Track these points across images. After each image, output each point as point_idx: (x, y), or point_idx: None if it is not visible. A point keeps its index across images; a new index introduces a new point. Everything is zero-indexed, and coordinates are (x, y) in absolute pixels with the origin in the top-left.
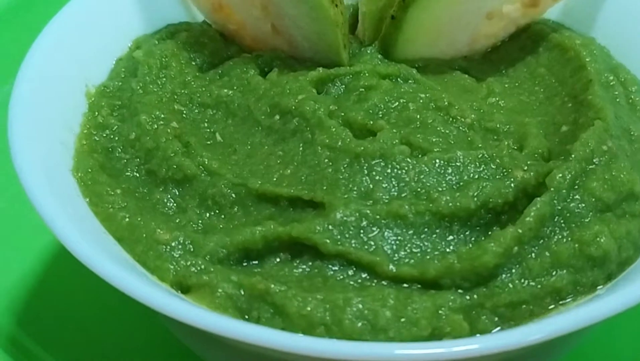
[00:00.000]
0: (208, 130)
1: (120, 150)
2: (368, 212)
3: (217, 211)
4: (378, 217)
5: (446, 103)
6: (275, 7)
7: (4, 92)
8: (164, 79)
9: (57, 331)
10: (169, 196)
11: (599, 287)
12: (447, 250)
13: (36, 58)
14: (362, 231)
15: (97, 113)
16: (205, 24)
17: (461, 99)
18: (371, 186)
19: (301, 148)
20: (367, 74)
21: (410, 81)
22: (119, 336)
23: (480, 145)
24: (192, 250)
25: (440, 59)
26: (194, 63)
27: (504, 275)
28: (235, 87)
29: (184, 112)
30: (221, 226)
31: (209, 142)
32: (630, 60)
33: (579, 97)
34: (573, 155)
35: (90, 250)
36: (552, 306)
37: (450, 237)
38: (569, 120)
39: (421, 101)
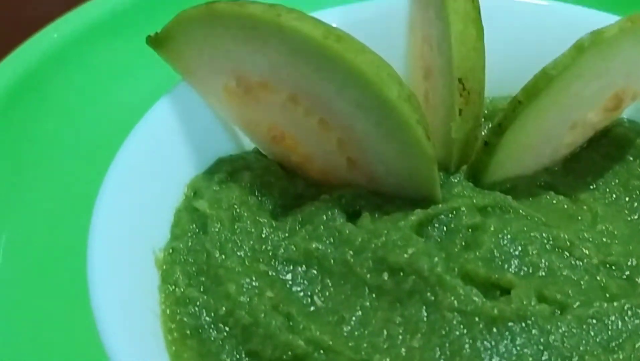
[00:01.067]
0: (304, 293)
1: (212, 329)
2: None
3: None
4: None
5: (568, 243)
6: (357, 142)
7: None
8: (241, 235)
9: None
10: None
11: None
12: None
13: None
14: None
15: (174, 286)
16: (263, 156)
17: (571, 230)
18: (514, 352)
19: (425, 313)
20: (465, 210)
21: (509, 211)
22: None
23: (615, 291)
24: None
25: (525, 175)
26: (265, 209)
27: None
28: (324, 238)
29: (271, 273)
30: None
31: (310, 309)
32: None
33: None
34: None
35: None
36: None
37: None
38: None
39: (538, 241)
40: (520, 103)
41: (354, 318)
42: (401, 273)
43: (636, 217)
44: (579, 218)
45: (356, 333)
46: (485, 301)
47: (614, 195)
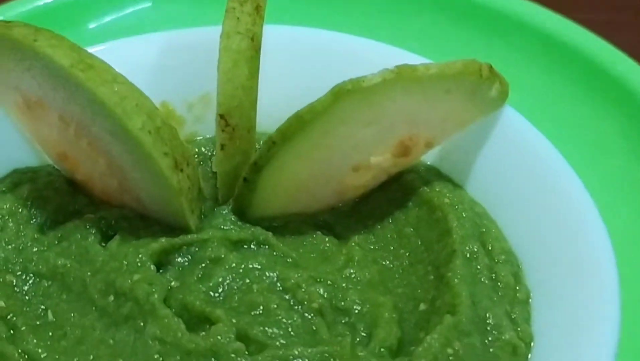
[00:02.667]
0: (41, 306)
1: None
2: None
3: None
4: None
5: (293, 283)
6: (119, 167)
7: None
8: None
9: None
10: None
11: None
12: None
13: None
14: None
15: None
16: (55, 170)
17: (317, 271)
18: None
19: (133, 338)
20: (215, 243)
21: (265, 246)
22: None
23: (324, 337)
24: None
25: (304, 213)
26: (33, 221)
27: None
28: (73, 256)
29: (15, 283)
30: None
31: (38, 322)
32: (503, 212)
33: (441, 268)
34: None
35: None
36: None
37: None
38: (428, 297)
39: (267, 281)
40: (274, 143)
41: (73, 336)
42: (123, 298)
43: (397, 264)
44: (334, 260)
45: (69, 350)
46: (186, 334)
47: (385, 242)
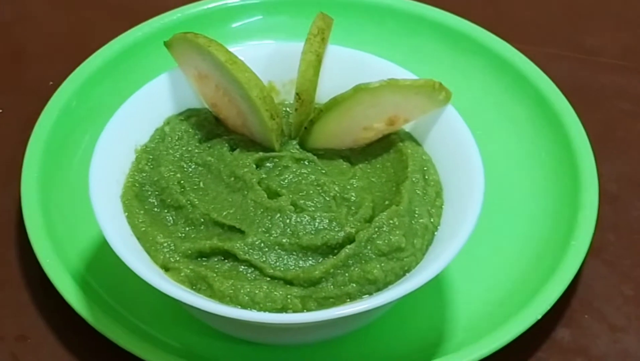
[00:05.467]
0: (196, 180)
1: (147, 186)
2: (264, 239)
3: (192, 227)
4: (270, 243)
5: (322, 182)
6: (243, 114)
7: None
8: (177, 146)
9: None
10: (169, 216)
11: (368, 295)
12: (299, 265)
13: (110, 129)
14: (260, 250)
15: (139, 163)
16: (209, 111)
17: (334, 178)
18: (269, 226)
19: (240, 200)
20: (287, 158)
21: (311, 164)
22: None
23: (333, 210)
24: (173, 248)
25: (335, 149)
26: (197, 137)
27: (324, 283)
28: (214, 156)
29: (184, 167)
30: (192, 236)
31: (195, 187)
32: (442, 165)
33: (398, 185)
34: (373, 223)
35: (121, 246)
36: (347, 301)
37: (304, 258)
38: (389, 198)
39: (310, 180)
40: (322, 111)
41: (211, 195)
42: (238, 179)
43: (378, 181)
44: (346, 175)
45: (209, 202)
46: (266, 199)
47: (374, 169)
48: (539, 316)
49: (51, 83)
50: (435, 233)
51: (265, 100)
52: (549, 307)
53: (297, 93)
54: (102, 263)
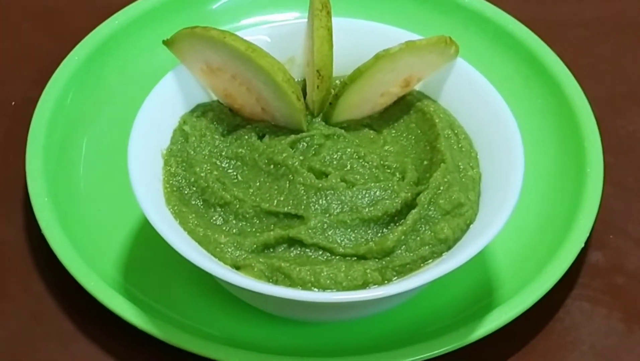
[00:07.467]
0: (233, 173)
1: (187, 189)
2: (326, 220)
3: (245, 222)
4: (332, 222)
5: (363, 154)
6: (265, 100)
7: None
8: (203, 144)
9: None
10: (217, 215)
11: (444, 254)
12: (368, 238)
13: (136, 138)
14: (324, 231)
15: (170, 167)
16: (220, 103)
17: (369, 148)
18: (326, 206)
19: (288, 185)
20: (317, 137)
21: (341, 137)
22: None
23: (382, 179)
24: (237, 245)
25: (355, 119)
26: (219, 131)
27: (398, 251)
28: (245, 147)
29: (217, 163)
30: (248, 230)
31: (235, 181)
32: (462, 116)
33: (432, 143)
34: (430, 184)
35: (198, 256)
36: (422, 265)
37: (369, 231)
38: (428, 157)
39: (348, 153)
40: (346, 83)
41: (254, 186)
42: (279, 166)
43: (408, 143)
44: (377, 143)
45: (255, 193)
46: (314, 180)
47: (400, 132)
48: (582, 245)
49: (13, 103)
50: (480, 183)
51: (290, 83)
52: (587, 234)
53: (317, 70)
54: (123, 257)
